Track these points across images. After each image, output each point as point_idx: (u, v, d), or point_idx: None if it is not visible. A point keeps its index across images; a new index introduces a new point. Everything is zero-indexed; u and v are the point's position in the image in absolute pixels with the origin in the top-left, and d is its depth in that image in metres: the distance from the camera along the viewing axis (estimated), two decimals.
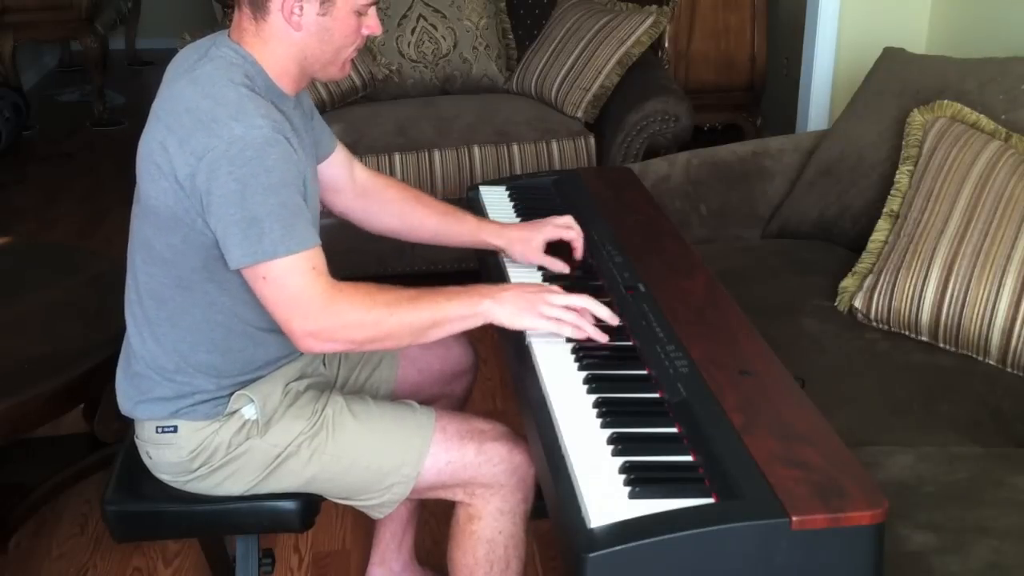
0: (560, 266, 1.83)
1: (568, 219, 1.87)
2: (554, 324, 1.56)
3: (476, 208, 2.10)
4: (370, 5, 1.58)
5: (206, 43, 1.60)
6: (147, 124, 1.55)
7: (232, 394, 1.63)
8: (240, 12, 1.57)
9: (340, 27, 1.56)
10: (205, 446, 1.63)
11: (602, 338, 1.57)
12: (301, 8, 1.52)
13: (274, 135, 1.47)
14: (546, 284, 1.69)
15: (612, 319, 1.59)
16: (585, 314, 1.58)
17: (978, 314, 1.91)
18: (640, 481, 1.27)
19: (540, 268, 1.86)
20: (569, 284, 1.74)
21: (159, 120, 1.52)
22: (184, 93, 1.51)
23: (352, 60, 1.65)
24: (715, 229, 2.60)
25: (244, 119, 1.46)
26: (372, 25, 1.61)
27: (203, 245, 1.52)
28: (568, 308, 1.57)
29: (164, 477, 1.69)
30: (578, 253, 1.86)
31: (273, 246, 1.45)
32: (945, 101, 2.18)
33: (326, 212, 2.02)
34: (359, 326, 1.50)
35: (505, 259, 1.89)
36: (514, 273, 1.84)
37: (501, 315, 1.56)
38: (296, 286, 1.47)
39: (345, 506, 1.76)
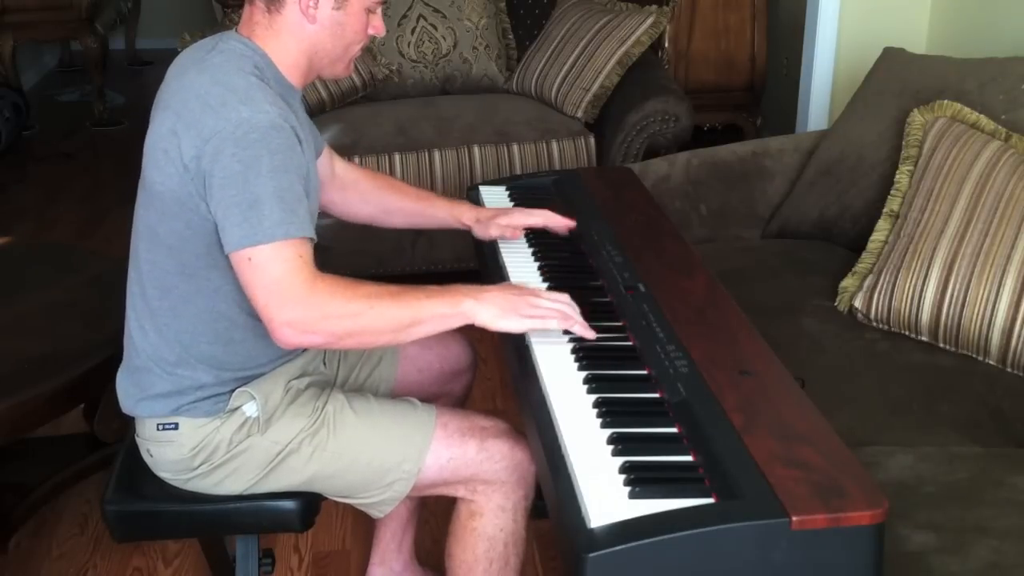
0: (512, 234, 1.93)
1: (541, 212, 1.95)
2: (537, 322, 1.56)
3: None
4: (380, 3, 1.62)
5: (212, 40, 1.62)
6: (155, 114, 1.57)
7: (233, 391, 1.64)
8: (251, 6, 1.59)
9: (352, 23, 1.60)
10: (206, 443, 1.63)
11: (590, 334, 1.57)
12: (317, 2, 1.56)
13: (281, 122, 1.49)
14: (530, 287, 1.68)
15: (588, 332, 1.58)
16: (563, 313, 1.58)
17: (978, 314, 1.91)
18: (640, 481, 1.27)
19: (536, 259, 1.88)
20: (564, 284, 1.74)
21: (168, 108, 1.54)
22: (195, 81, 1.52)
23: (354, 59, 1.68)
24: (715, 229, 2.60)
25: (252, 104, 1.48)
26: (377, 25, 1.65)
27: (206, 231, 1.52)
28: (551, 308, 1.57)
29: (165, 475, 1.69)
30: (561, 229, 1.95)
31: (273, 228, 1.45)
32: (945, 101, 2.18)
33: (326, 212, 2.02)
34: (338, 318, 1.49)
35: (503, 258, 1.90)
36: (513, 271, 1.84)
37: (484, 316, 1.55)
38: (279, 272, 1.46)
39: (345, 506, 1.76)
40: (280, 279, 1.46)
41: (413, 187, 2.05)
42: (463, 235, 2.02)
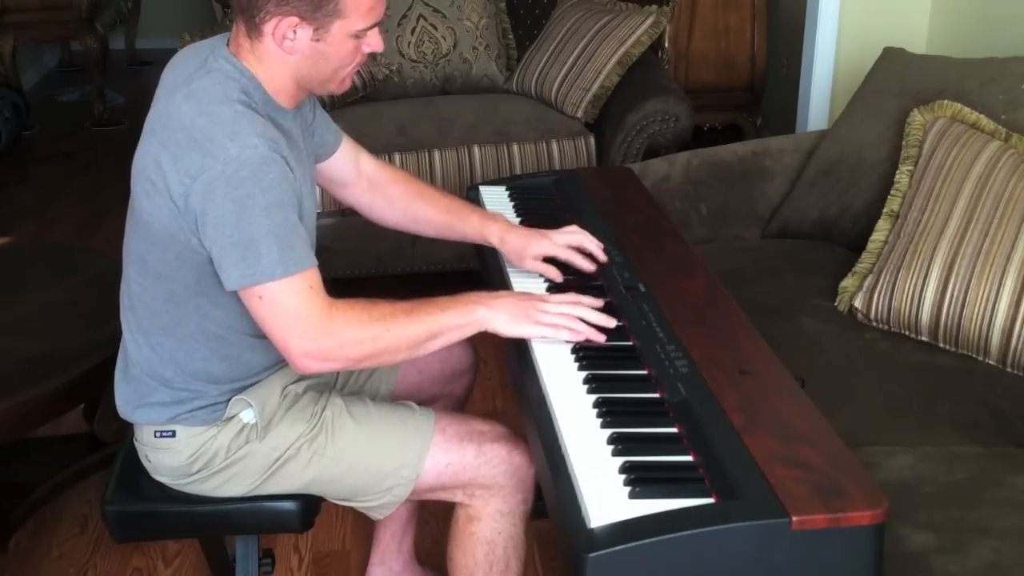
0: (552, 273, 1.78)
1: (572, 232, 1.81)
2: (550, 330, 1.57)
3: None
4: (368, 28, 1.54)
5: (205, 49, 1.58)
6: (142, 137, 1.54)
7: (231, 399, 1.63)
8: (237, 26, 1.55)
9: (336, 51, 1.53)
10: (204, 451, 1.63)
11: (599, 338, 1.58)
12: (295, 33, 1.50)
13: (270, 154, 1.45)
14: (534, 292, 1.68)
15: (607, 321, 1.59)
16: (575, 319, 1.58)
17: (978, 314, 1.91)
18: (640, 481, 1.27)
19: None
20: (564, 285, 1.74)
21: (154, 135, 1.51)
22: (180, 109, 1.48)
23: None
24: (715, 229, 2.60)
25: (240, 138, 1.44)
26: (373, 44, 1.57)
27: (196, 262, 1.51)
28: (562, 314, 1.58)
29: (164, 480, 1.69)
30: (598, 257, 1.81)
31: (271, 267, 1.44)
32: (945, 101, 2.18)
33: (326, 212, 2.01)
34: (356, 343, 1.49)
35: (504, 258, 1.89)
36: (513, 271, 1.84)
37: (497, 323, 1.56)
38: (293, 306, 1.45)
39: (345, 507, 1.76)
40: (295, 312, 1.46)
41: (447, 197, 1.92)
42: None
